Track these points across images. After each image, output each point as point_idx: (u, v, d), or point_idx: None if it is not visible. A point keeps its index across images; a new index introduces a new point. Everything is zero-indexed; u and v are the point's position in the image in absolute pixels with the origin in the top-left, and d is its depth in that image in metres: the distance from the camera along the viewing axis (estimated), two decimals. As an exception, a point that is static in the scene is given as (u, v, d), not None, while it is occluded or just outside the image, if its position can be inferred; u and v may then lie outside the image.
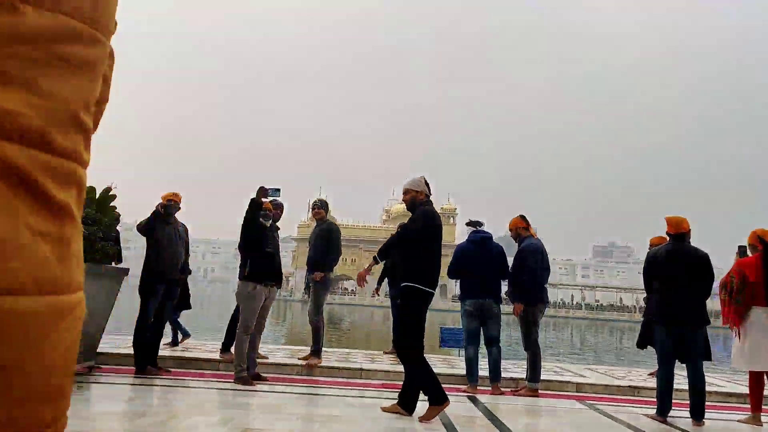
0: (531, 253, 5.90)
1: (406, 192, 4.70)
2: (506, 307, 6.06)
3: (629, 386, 6.45)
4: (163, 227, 5.82)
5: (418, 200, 4.61)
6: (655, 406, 5.03)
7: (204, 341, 8.25)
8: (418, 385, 4.39)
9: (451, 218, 79.56)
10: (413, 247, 4.48)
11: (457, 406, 5.15)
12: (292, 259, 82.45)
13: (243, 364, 5.57)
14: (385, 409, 4.42)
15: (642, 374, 7.60)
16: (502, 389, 5.90)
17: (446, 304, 71.23)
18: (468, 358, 5.93)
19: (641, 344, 6.15)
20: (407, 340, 4.43)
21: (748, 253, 5.21)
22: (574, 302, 72.78)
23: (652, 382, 6.75)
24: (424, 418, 4.23)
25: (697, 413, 4.84)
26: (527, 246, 5.95)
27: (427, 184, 4.68)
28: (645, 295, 5.39)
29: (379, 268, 5.91)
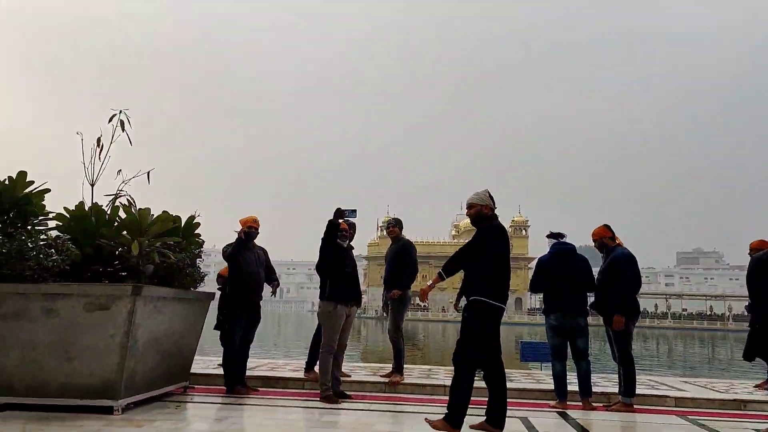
0: (626, 262, 5.65)
1: (470, 206, 4.61)
2: (591, 320, 5.83)
3: (734, 399, 6.02)
4: (244, 252, 6.01)
5: (483, 214, 4.53)
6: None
7: (288, 360, 8.41)
8: (453, 393, 4.27)
9: (523, 230, 77.89)
10: (481, 262, 4.37)
11: (547, 421, 4.97)
12: (364, 277, 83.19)
13: (328, 383, 5.62)
14: (474, 427, 4.31)
15: (747, 386, 7.08)
16: (594, 404, 5.65)
17: (522, 318, 69.84)
18: (556, 375, 5.73)
19: (749, 355, 5.73)
20: (468, 353, 4.28)
21: None
22: (659, 311, 69.06)
23: (760, 395, 6.29)
24: (433, 424, 4.19)
25: (816, 428, 4.44)
26: (620, 255, 5.70)
27: (491, 198, 4.59)
28: (747, 302, 5.00)
29: (451, 282, 5.81)
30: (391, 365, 6.76)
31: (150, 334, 4.86)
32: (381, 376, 6.65)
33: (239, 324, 5.92)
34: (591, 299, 5.95)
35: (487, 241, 4.42)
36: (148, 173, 5.43)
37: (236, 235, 6.03)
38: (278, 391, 6.19)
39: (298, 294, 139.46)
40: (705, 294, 79.46)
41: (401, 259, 6.65)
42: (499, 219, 4.67)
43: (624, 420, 5.22)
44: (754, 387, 6.93)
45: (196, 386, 6.13)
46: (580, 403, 5.66)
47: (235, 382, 5.94)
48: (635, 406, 5.60)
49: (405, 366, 6.91)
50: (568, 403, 5.64)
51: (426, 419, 4.32)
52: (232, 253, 5.96)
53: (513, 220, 78.69)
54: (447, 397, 6.09)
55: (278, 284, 6.44)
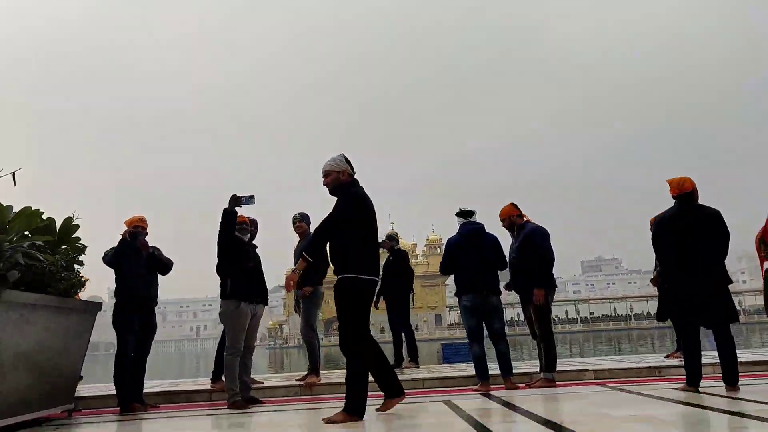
0: (540, 236, 5.59)
1: (326, 174, 4.18)
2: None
3: (649, 367, 6.10)
4: (130, 256, 5.42)
5: (342, 182, 4.15)
6: (683, 381, 4.68)
7: (195, 378, 7.74)
8: (349, 381, 3.96)
9: (437, 248, 79.02)
10: (345, 235, 4.01)
11: (471, 402, 4.75)
12: (284, 308, 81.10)
13: (236, 387, 5.12)
14: (329, 420, 3.86)
15: (659, 357, 7.25)
16: (516, 384, 5.51)
17: (443, 333, 70.37)
18: (475, 356, 5.54)
19: (662, 316, 5.79)
20: (353, 337, 3.98)
21: None
22: (569, 317, 72.37)
23: (673, 362, 6.42)
24: (330, 420, 3.84)
25: (731, 379, 4.48)
26: (533, 230, 5.64)
27: (349, 163, 4.20)
28: (654, 267, 5.04)
29: None
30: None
31: (15, 348, 4.17)
32: (296, 380, 6.20)
33: (131, 331, 5.30)
34: (503, 283, 5.83)
35: (347, 211, 4.04)
36: (14, 174, 4.75)
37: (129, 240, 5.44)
38: (182, 405, 5.59)
39: (215, 330, 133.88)
40: (609, 297, 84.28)
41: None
42: (362, 186, 4.24)
43: (547, 393, 5.09)
44: (665, 357, 7.10)
45: (84, 410, 5.41)
46: (503, 385, 5.50)
47: (131, 398, 5.29)
48: (557, 382, 5.50)
49: (327, 371, 6.51)
50: (490, 385, 5.45)
51: (323, 419, 3.91)
52: (112, 257, 5.35)
53: (427, 239, 79.94)
54: (371, 391, 5.80)
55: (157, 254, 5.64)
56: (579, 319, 71.25)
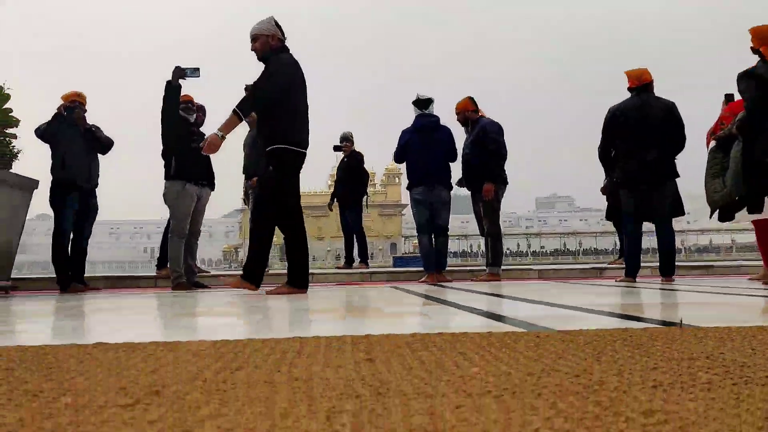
0: (495, 130, 5.51)
1: (254, 38, 3.93)
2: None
3: (593, 267, 6.29)
4: (67, 131, 5.10)
5: (271, 46, 3.91)
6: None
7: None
8: (252, 247, 4.05)
9: (396, 178, 79.17)
10: (275, 105, 3.84)
11: (418, 287, 4.79)
12: (240, 232, 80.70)
13: (180, 270, 5.02)
14: (271, 292, 3.99)
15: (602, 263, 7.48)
16: (449, 279, 5.61)
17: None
18: (423, 248, 5.57)
19: (610, 215, 5.88)
20: (269, 207, 3.96)
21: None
22: (521, 250, 74.47)
23: (614, 265, 6.62)
24: (234, 284, 4.11)
25: (667, 270, 4.63)
26: (488, 122, 5.56)
27: (279, 27, 3.96)
28: (600, 156, 5.00)
29: None
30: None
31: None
32: (244, 270, 6.13)
33: (68, 207, 5.06)
34: (455, 179, 5.79)
35: (276, 78, 3.84)
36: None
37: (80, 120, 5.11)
38: (125, 289, 5.48)
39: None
40: (560, 232, 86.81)
41: (256, 145, 6.07)
42: (291, 53, 4.01)
43: (491, 283, 5.17)
44: (609, 263, 7.33)
45: (23, 290, 5.24)
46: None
47: (71, 279, 5.14)
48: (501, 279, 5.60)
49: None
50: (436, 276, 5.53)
51: (221, 278, 4.13)
52: (45, 129, 5.02)
53: (386, 168, 79.79)
54: (323, 283, 5.81)
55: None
56: (529, 253, 73.48)
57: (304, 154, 3.99)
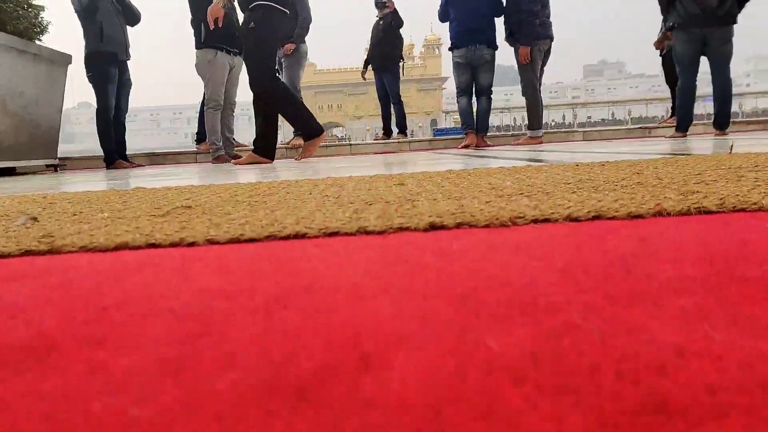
0: None
1: None
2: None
3: (640, 127, 6.03)
4: (104, 2, 4.95)
5: None
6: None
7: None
8: (263, 123, 3.88)
9: (436, 49, 76.09)
10: None
11: (455, 151, 4.73)
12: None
13: (218, 142, 5.06)
14: (238, 162, 3.95)
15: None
16: (489, 144, 5.49)
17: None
18: (462, 109, 5.42)
19: (668, 78, 5.47)
20: (265, 71, 3.76)
21: None
22: (565, 122, 72.38)
23: (663, 125, 6.34)
24: (245, 160, 3.93)
25: (721, 121, 4.39)
26: None
27: None
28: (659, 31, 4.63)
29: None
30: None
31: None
32: (284, 143, 6.16)
33: (111, 82, 5.05)
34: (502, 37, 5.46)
35: None
36: None
37: None
38: (169, 164, 5.62)
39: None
40: (608, 101, 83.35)
41: (292, 6, 5.80)
42: None
43: (532, 146, 5.06)
44: (659, 123, 7.03)
45: (71, 169, 5.44)
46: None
47: (115, 155, 5.26)
48: (544, 143, 5.46)
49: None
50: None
51: (232, 161, 3.99)
52: (88, 5, 4.89)
53: (426, 39, 76.47)
54: (353, 154, 5.82)
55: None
56: (575, 125, 71.38)
57: (287, 14, 3.82)
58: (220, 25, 4.02)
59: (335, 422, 0.21)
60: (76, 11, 5.02)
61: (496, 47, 5.36)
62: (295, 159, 3.99)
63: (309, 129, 3.90)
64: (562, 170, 1.36)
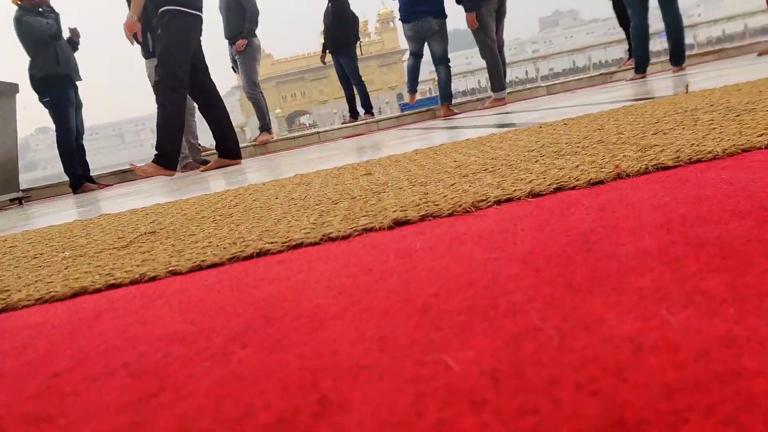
0: None
1: None
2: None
3: (600, 74, 6.06)
4: (42, 21, 4.81)
5: None
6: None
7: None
8: (162, 129, 3.62)
9: (390, 22, 75.43)
10: None
11: (420, 124, 4.71)
12: (242, 110, 79.43)
13: (183, 150, 4.98)
14: (143, 171, 3.70)
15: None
16: (455, 112, 5.48)
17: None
18: (408, 68, 5.46)
19: (620, 21, 5.46)
20: (170, 77, 3.55)
21: None
22: (529, 77, 72.62)
23: (625, 68, 6.37)
24: (147, 171, 3.63)
25: (676, 56, 4.42)
26: None
27: None
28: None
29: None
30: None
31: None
32: (250, 140, 6.08)
33: (72, 104, 4.95)
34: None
35: None
36: None
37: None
38: (137, 181, 5.52)
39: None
40: (567, 50, 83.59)
41: (237, 5, 5.69)
42: None
43: (498, 110, 5.05)
44: (617, 67, 7.06)
45: (36, 199, 5.32)
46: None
47: (82, 178, 5.15)
48: (507, 103, 5.45)
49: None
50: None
51: (131, 165, 3.82)
52: (57, 30, 4.76)
53: (379, 14, 75.72)
54: (322, 142, 5.78)
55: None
56: (538, 78, 71.60)
57: (201, 18, 3.65)
58: (140, 40, 3.88)
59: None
60: (38, 39, 4.84)
61: (444, 16, 5.32)
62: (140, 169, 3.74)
63: (168, 159, 3.62)
64: (525, 135, 1.36)
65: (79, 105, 5.20)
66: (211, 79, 3.84)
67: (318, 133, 5.89)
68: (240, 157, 4.00)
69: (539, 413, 0.22)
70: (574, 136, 1.13)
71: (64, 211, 2.71)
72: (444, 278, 0.41)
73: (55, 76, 4.88)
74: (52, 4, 4.93)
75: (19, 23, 4.71)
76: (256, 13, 5.80)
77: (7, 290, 0.66)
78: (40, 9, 4.83)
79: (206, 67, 3.82)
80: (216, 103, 3.85)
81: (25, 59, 4.88)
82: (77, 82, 5.21)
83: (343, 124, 7.63)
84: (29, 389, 0.35)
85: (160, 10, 3.57)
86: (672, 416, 0.20)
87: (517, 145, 1.19)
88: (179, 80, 3.57)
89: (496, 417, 0.22)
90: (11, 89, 4.96)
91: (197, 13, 3.66)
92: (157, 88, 3.60)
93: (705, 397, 0.20)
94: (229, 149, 3.92)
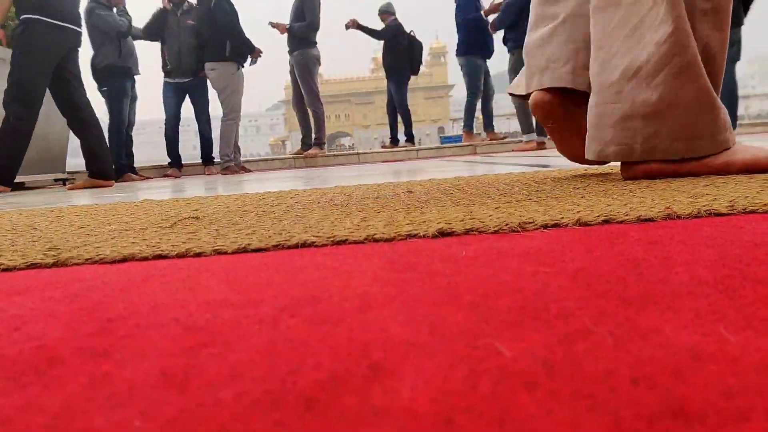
0: None
1: None
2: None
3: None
4: (115, 17, 5.03)
5: None
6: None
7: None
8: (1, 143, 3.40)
9: (441, 57, 76.39)
10: None
11: (461, 158, 4.72)
12: (285, 124, 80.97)
13: (230, 154, 5.10)
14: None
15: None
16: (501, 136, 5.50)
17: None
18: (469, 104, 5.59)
19: None
20: (20, 83, 3.34)
21: None
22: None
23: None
24: None
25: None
26: None
27: None
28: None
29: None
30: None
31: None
32: (296, 152, 6.16)
33: (126, 98, 5.14)
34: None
35: None
36: None
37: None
38: (177, 177, 5.65)
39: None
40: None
41: (301, 12, 5.78)
42: None
43: (536, 153, 5.04)
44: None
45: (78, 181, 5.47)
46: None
47: (125, 167, 5.30)
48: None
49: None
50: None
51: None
52: (123, 27, 4.98)
53: (431, 48, 76.89)
54: (361, 163, 5.83)
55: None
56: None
57: (66, 29, 3.43)
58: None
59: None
60: (106, 33, 5.04)
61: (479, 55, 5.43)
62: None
63: (2, 171, 3.43)
64: (570, 174, 1.36)
65: (134, 98, 5.37)
66: (83, 94, 3.62)
67: (358, 153, 5.96)
68: (112, 179, 3.79)
69: (595, 398, 0.22)
70: (619, 181, 1.13)
71: (106, 194, 2.79)
72: (492, 283, 0.41)
73: (116, 68, 5.08)
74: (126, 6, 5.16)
75: (90, 15, 4.92)
76: (316, 23, 5.86)
77: (57, 248, 0.69)
78: (115, 8, 5.04)
79: (80, 82, 3.62)
80: (87, 119, 3.61)
81: (86, 52, 5.09)
82: (135, 76, 5.41)
83: (383, 147, 7.68)
84: (84, 329, 0.36)
85: (21, 17, 3.39)
86: (733, 413, 0.20)
87: (561, 183, 1.19)
88: (27, 93, 3.37)
89: (551, 397, 0.22)
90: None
91: (63, 24, 3.44)
92: (4, 98, 3.43)
93: (767, 402, 0.20)
94: (100, 170, 3.69)
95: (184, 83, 5.24)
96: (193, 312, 0.38)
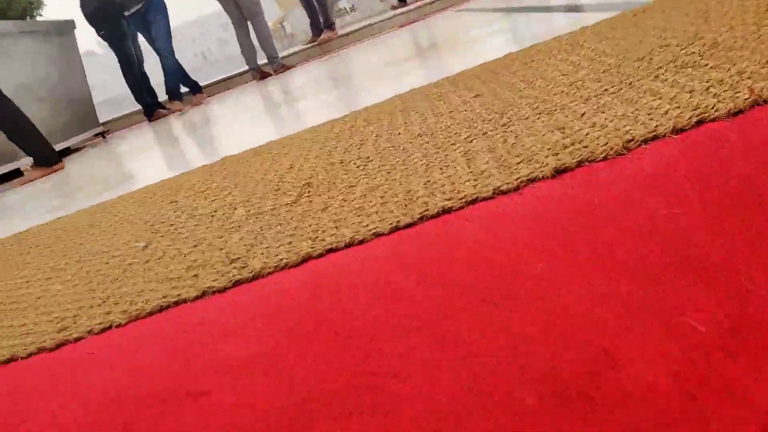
0: None
1: None
2: None
3: None
4: None
5: None
6: None
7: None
8: (18, 136, 3.40)
9: None
10: None
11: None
12: (277, 5, 76.25)
13: (275, 53, 5.12)
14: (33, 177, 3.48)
15: None
16: None
17: None
18: None
19: None
20: None
21: None
22: None
23: None
24: (36, 175, 3.44)
25: None
26: None
27: None
28: None
29: None
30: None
31: (12, 83, 4.05)
32: (309, 41, 5.95)
33: (128, 34, 5.04)
34: None
35: None
36: None
37: None
38: (210, 97, 5.68)
39: (223, 51, 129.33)
40: None
41: None
42: None
43: None
44: None
45: (115, 131, 5.60)
46: None
47: (153, 105, 5.35)
48: None
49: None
50: None
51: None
52: None
53: None
54: (380, 33, 5.66)
55: None
56: None
57: None
58: None
59: (602, 418, 0.34)
60: None
61: None
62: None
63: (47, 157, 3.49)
64: (621, 26, 1.35)
65: (134, 34, 5.27)
66: None
67: (371, 25, 5.77)
68: (56, 161, 3.58)
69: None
70: (679, 31, 1.14)
71: (157, 147, 2.87)
72: (627, 227, 0.52)
73: (108, 5, 4.92)
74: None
75: None
76: None
77: (238, 258, 0.82)
78: None
79: None
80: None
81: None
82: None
83: (393, 8, 7.26)
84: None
85: None
86: None
87: (620, 45, 1.21)
88: None
89: (749, 365, 0.34)
90: (69, 26, 5.09)
91: None
92: None
93: None
94: (44, 157, 3.51)
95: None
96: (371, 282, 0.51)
